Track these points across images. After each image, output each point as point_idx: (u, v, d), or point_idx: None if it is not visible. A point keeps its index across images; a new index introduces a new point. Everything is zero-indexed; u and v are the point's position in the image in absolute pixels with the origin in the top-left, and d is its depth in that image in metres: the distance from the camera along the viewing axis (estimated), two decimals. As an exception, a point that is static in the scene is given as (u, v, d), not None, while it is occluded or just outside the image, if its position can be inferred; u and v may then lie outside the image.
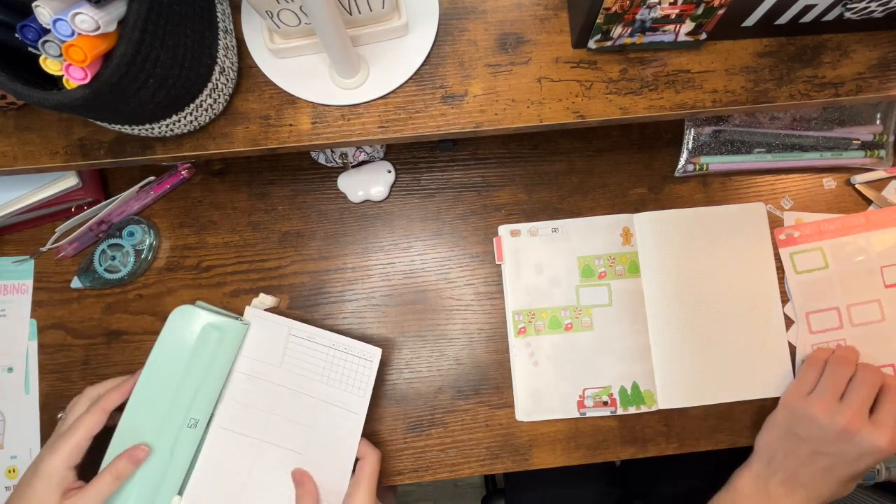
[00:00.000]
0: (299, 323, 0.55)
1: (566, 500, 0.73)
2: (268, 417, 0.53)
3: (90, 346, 0.61)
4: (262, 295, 0.60)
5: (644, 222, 0.61)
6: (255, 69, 0.45)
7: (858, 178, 0.61)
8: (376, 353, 0.56)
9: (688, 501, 0.69)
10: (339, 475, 0.53)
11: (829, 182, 0.62)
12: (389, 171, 0.62)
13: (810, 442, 0.51)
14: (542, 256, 0.60)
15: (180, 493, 0.51)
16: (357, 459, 0.54)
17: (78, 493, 0.46)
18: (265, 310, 0.56)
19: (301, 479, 0.51)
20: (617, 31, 0.41)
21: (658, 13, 0.39)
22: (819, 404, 0.51)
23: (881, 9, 0.41)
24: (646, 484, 0.75)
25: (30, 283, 0.62)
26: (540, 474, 0.75)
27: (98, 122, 0.42)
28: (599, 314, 0.59)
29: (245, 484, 0.52)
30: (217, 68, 0.41)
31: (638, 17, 0.39)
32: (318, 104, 0.44)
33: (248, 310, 0.55)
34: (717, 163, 0.61)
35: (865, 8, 0.40)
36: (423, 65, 0.44)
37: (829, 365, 0.54)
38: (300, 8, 0.39)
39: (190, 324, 0.52)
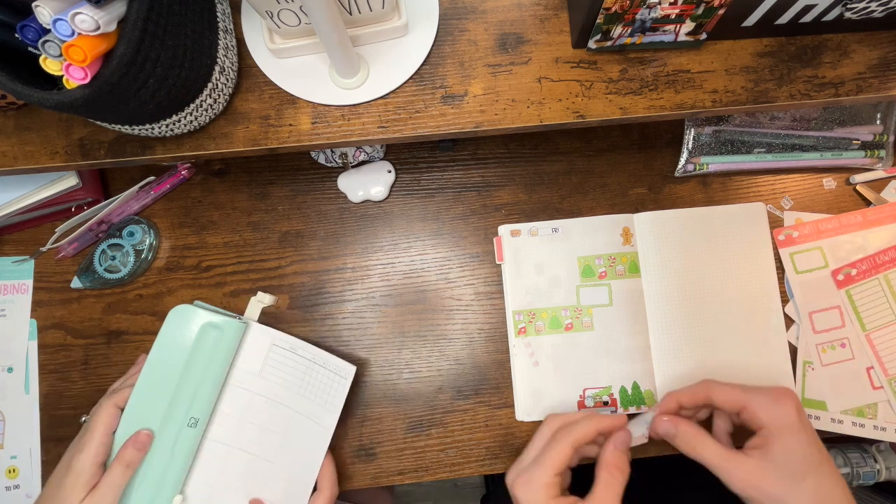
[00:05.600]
0: (283, 334, 0.55)
1: None
2: (240, 424, 0.53)
3: (90, 346, 0.61)
4: (260, 293, 0.60)
5: (644, 222, 0.61)
6: (255, 69, 0.45)
7: (858, 178, 0.61)
8: (350, 370, 0.56)
9: (682, 501, 0.69)
10: (300, 488, 0.53)
11: (829, 182, 0.62)
12: (389, 171, 0.62)
13: None
14: (542, 256, 0.60)
15: (181, 491, 0.51)
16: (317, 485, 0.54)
17: (94, 489, 0.47)
18: (263, 309, 0.56)
19: None
20: (617, 31, 0.41)
21: (658, 13, 0.39)
22: None
23: (881, 9, 0.41)
24: (639, 484, 0.75)
25: (30, 283, 0.62)
26: None
27: (98, 122, 0.42)
28: (600, 314, 0.59)
29: (211, 486, 0.52)
30: (217, 68, 0.41)
31: (638, 17, 0.39)
32: (318, 104, 0.44)
33: (248, 308, 0.55)
34: (717, 163, 0.61)
35: (865, 8, 0.40)
36: (423, 65, 0.44)
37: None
38: (300, 8, 0.39)
39: (188, 323, 0.52)
